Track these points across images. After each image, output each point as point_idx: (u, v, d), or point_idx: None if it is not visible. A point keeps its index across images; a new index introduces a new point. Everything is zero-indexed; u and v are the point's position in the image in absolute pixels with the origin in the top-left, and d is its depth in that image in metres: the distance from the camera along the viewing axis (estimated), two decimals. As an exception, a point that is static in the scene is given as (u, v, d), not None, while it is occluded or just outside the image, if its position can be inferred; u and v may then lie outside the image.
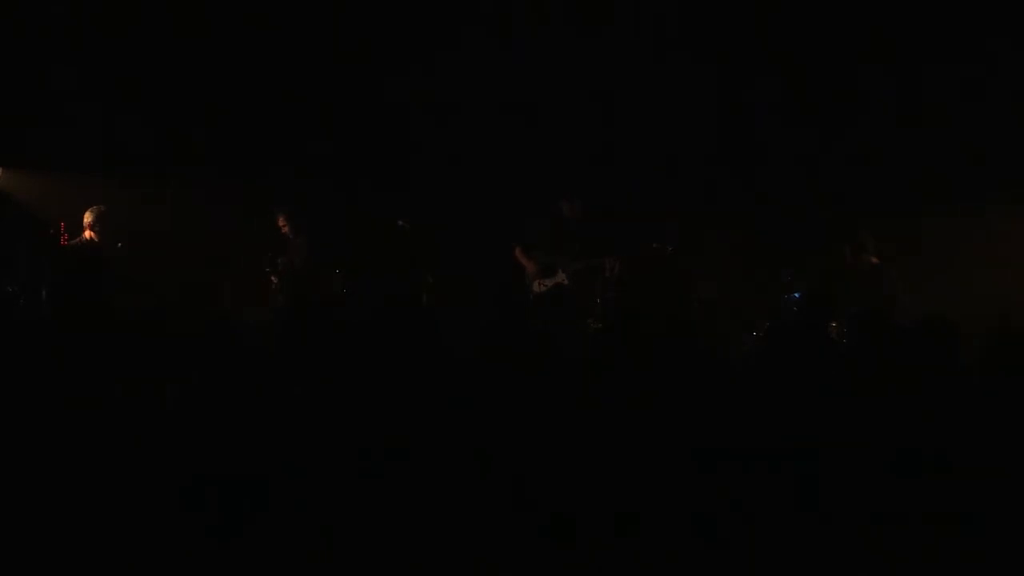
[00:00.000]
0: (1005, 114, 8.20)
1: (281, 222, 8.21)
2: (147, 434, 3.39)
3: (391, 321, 4.46)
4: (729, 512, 3.30)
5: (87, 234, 7.22)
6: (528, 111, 8.71)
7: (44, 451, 3.34)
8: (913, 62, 8.37)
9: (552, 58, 8.62)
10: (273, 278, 8.12)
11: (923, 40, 8.28)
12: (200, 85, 8.52)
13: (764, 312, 7.55)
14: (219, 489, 3.25)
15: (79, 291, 6.66)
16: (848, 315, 5.97)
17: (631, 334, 4.29)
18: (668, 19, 8.75)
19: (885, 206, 8.34)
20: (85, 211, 7.29)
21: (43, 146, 8.20)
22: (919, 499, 3.29)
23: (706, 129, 8.81)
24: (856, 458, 3.41)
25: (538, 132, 8.70)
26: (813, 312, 5.78)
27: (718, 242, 8.63)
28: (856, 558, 3.21)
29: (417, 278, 7.98)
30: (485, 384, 4.05)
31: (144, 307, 4.56)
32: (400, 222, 8.45)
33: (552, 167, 8.62)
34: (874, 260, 7.67)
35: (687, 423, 3.59)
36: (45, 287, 6.90)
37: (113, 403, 3.53)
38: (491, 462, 3.37)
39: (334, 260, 8.22)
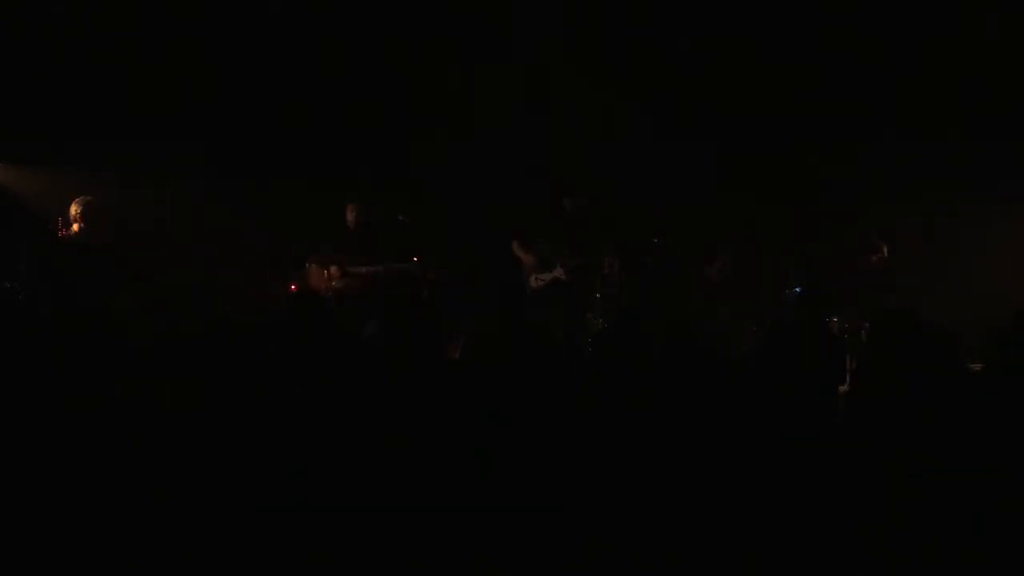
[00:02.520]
0: (1005, 114, 8.21)
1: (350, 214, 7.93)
2: (147, 434, 3.39)
3: (390, 319, 4.45)
4: (730, 512, 3.30)
5: (75, 227, 7.16)
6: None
7: (44, 451, 3.34)
8: (914, 64, 8.38)
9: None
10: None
11: (923, 41, 8.29)
12: (200, 83, 8.52)
13: (766, 309, 7.54)
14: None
15: (78, 290, 6.66)
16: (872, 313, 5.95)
17: (631, 333, 4.28)
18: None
19: (887, 205, 8.34)
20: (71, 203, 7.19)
21: (43, 144, 8.18)
22: (919, 499, 3.29)
23: (709, 128, 8.81)
24: (856, 458, 3.41)
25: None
26: (812, 308, 5.77)
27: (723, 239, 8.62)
28: (856, 558, 3.21)
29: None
30: (484, 382, 4.05)
31: (144, 307, 4.56)
32: (400, 217, 8.44)
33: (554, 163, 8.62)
34: (874, 258, 7.67)
35: (687, 422, 3.59)
36: (45, 285, 6.88)
37: (113, 403, 3.53)
38: (491, 462, 3.37)
39: None
